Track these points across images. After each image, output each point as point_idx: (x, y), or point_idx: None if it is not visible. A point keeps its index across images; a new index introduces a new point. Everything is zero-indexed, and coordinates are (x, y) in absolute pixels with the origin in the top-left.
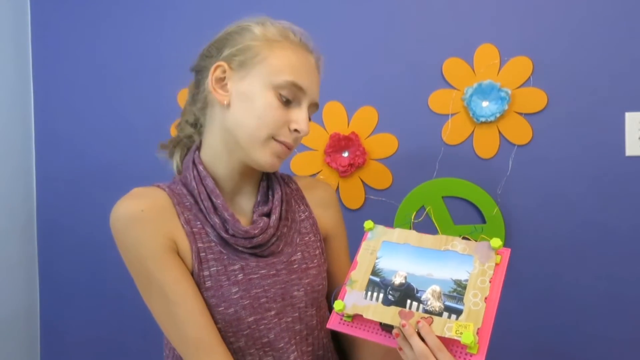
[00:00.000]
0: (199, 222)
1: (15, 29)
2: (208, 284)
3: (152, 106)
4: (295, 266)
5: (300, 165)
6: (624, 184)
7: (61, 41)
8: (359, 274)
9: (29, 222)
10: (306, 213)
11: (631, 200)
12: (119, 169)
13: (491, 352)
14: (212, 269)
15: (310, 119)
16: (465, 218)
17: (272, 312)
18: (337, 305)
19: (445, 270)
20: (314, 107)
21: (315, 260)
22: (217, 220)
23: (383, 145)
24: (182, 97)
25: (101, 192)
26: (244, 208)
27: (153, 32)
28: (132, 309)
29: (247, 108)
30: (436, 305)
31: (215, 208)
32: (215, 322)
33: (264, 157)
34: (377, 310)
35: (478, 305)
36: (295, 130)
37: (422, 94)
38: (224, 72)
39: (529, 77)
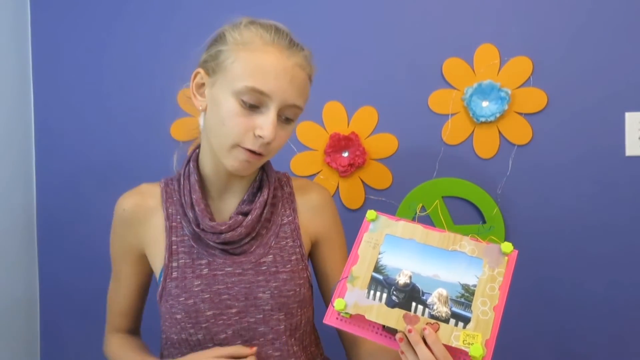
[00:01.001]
0: (178, 217)
1: (15, 29)
2: (174, 274)
3: (152, 106)
4: (264, 268)
5: (300, 165)
6: (624, 184)
7: (61, 41)
8: (361, 270)
9: (29, 222)
10: (290, 218)
11: (631, 200)
12: (119, 169)
13: None
14: (180, 261)
15: (292, 122)
16: (465, 218)
17: (234, 310)
18: (338, 304)
19: (453, 273)
20: (293, 109)
21: (289, 266)
22: (191, 214)
23: (383, 145)
24: (182, 97)
25: (101, 192)
26: (229, 206)
27: (154, 32)
28: None
29: (215, 114)
30: (443, 310)
31: (192, 203)
32: (177, 312)
33: (230, 163)
34: (380, 311)
35: (487, 315)
36: (259, 136)
37: (422, 94)
38: (202, 78)
39: (529, 77)
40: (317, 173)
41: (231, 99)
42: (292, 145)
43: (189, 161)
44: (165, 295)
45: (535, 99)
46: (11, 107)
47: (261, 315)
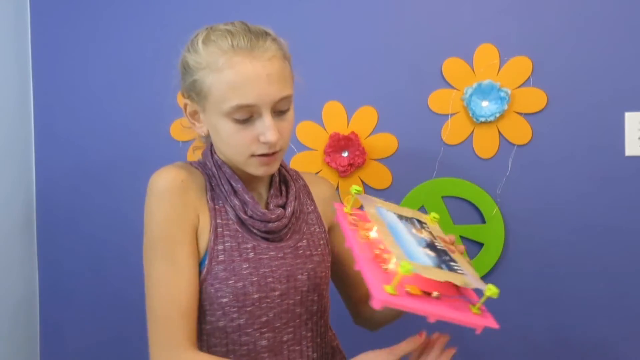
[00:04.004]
0: (220, 201)
1: (15, 29)
2: (221, 257)
3: (152, 106)
4: (300, 252)
5: (300, 165)
6: (624, 184)
7: (61, 41)
8: (394, 247)
9: (29, 222)
10: (312, 207)
11: (631, 200)
12: (119, 169)
13: (488, 351)
14: (226, 244)
15: (288, 110)
16: (465, 218)
17: (277, 293)
18: (404, 267)
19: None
20: (283, 101)
21: (319, 249)
22: (237, 202)
23: (383, 145)
24: (182, 98)
25: (101, 192)
26: (260, 195)
27: (153, 32)
28: (132, 308)
29: (217, 138)
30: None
31: (235, 192)
32: (223, 296)
33: (253, 171)
34: (434, 271)
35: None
36: (265, 142)
37: (422, 94)
38: (192, 106)
39: (529, 77)
40: (317, 173)
41: (224, 121)
42: (292, 145)
43: (212, 152)
44: (211, 279)
45: (535, 99)
46: (11, 107)
47: (299, 297)
